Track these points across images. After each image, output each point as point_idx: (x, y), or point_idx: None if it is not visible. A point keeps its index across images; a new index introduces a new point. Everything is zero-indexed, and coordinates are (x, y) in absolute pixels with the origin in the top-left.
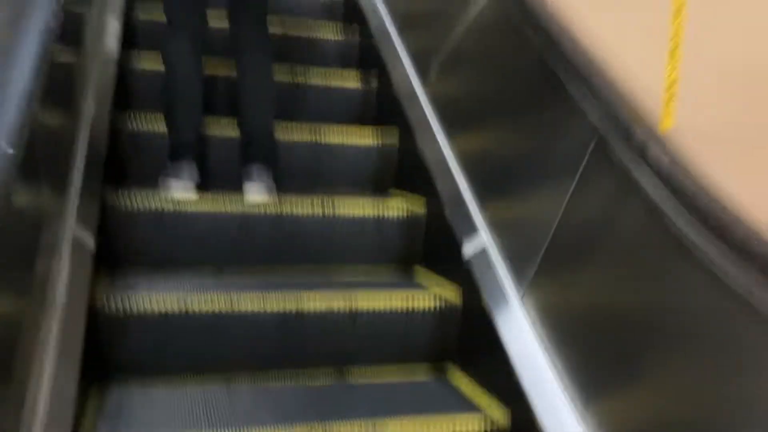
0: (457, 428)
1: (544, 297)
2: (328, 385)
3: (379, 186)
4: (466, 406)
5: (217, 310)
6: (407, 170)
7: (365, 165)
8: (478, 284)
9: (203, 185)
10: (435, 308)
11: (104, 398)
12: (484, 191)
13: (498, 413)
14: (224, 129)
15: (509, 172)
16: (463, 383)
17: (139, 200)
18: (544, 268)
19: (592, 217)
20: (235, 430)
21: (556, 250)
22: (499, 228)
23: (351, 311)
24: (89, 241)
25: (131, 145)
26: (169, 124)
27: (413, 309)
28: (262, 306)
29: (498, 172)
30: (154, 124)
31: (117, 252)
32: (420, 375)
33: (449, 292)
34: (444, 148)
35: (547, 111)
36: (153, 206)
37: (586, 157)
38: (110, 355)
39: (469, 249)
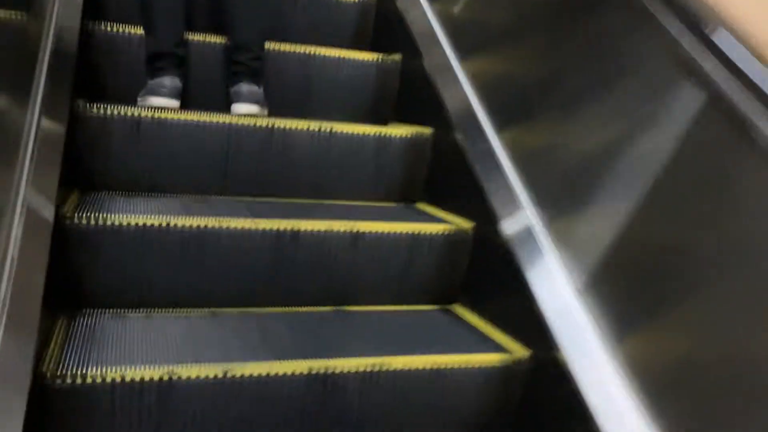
0: (473, 362)
1: (574, 227)
2: (326, 317)
3: (377, 115)
4: (480, 341)
5: (202, 225)
6: (410, 94)
7: (363, 85)
8: (496, 215)
9: (186, 106)
10: (444, 233)
11: (73, 328)
12: (502, 115)
13: (518, 349)
14: (209, 46)
15: (532, 95)
16: (474, 319)
17: (114, 109)
18: (574, 196)
19: (618, 144)
20: (223, 365)
21: (584, 179)
22: (523, 158)
23: (352, 233)
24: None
25: (104, 57)
26: (147, 33)
27: (419, 233)
28: (253, 224)
29: (519, 94)
30: (131, 30)
31: (89, 172)
32: (426, 309)
33: (460, 220)
34: (455, 67)
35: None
36: (129, 114)
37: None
38: (81, 279)
39: (485, 177)
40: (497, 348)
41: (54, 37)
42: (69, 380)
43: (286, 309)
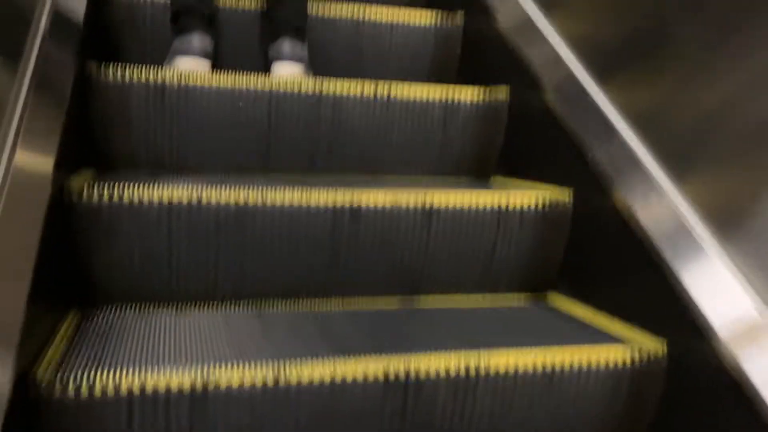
0: (598, 358)
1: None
2: (396, 310)
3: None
4: (596, 333)
5: (241, 202)
6: (477, 57)
7: (420, 53)
8: (608, 181)
9: (218, 67)
10: (536, 206)
11: (81, 327)
12: (608, 71)
13: (653, 343)
14: (246, 2)
15: (652, 41)
16: (578, 309)
17: (134, 72)
18: (708, 157)
19: None
20: (273, 369)
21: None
22: (646, 114)
23: (425, 208)
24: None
25: (126, 13)
26: None
27: (507, 206)
28: (304, 198)
29: (634, 43)
30: None
31: (104, 148)
32: (516, 298)
33: (552, 190)
34: (539, 22)
35: None
36: (152, 78)
37: None
38: (92, 268)
39: (590, 138)
40: (624, 341)
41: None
42: (71, 390)
43: (346, 300)
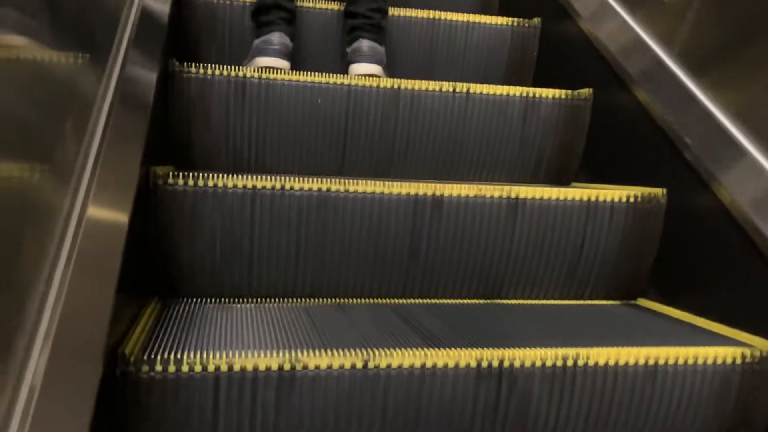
0: (705, 356)
1: None
2: (481, 306)
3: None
4: (699, 332)
5: (324, 188)
6: (557, 58)
7: (496, 55)
8: (710, 177)
9: (296, 68)
10: (629, 200)
11: (166, 313)
12: (708, 65)
13: (756, 340)
14: (323, 4)
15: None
16: (677, 313)
17: (215, 69)
18: None
19: None
20: (363, 353)
21: None
22: (744, 113)
23: (510, 200)
24: (145, 99)
25: (207, 18)
26: None
27: (596, 200)
28: (386, 188)
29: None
30: None
31: (183, 144)
32: (605, 303)
33: (642, 188)
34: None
35: None
36: (233, 74)
37: None
38: (175, 255)
39: (687, 132)
40: (732, 340)
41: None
42: (159, 367)
43: (426, 294)
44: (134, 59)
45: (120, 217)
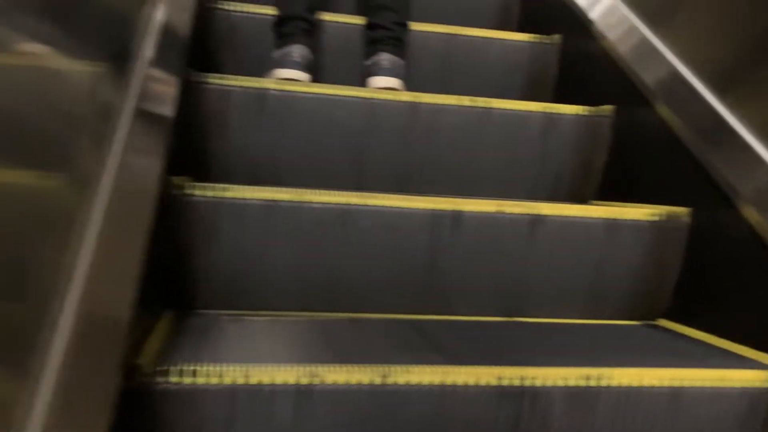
0: (732, 380)
1: None
2: (500, 325)
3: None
4: (725, 355)
5: (343, 202)
6: (577, 75)
7: (515, 71)
8: (737, 196)
9: (316, 81)
10: (652, 219)
11: (180, 325)
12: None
13: None
14: (343, 17)
15: None
16: (701, 335)
17: (235, 79)
18: None
19: None
20: (381, 368)
21: None
22: None
23: (531, 216)
24: (165, 110)
25: (225, 31)
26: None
27: (618, 218)
28: (405, 202)
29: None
30: (255, 7)
31: (201, 156)
32: (624, 324)
33: (669, 208)
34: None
35: None
36: (253, 85)
37: None
38: (187, 269)
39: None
40: (759, 365)
41: (163, 9)
42: (174, 378)
43: (443, 311)
44: (156, 69)
45: (139, 225)
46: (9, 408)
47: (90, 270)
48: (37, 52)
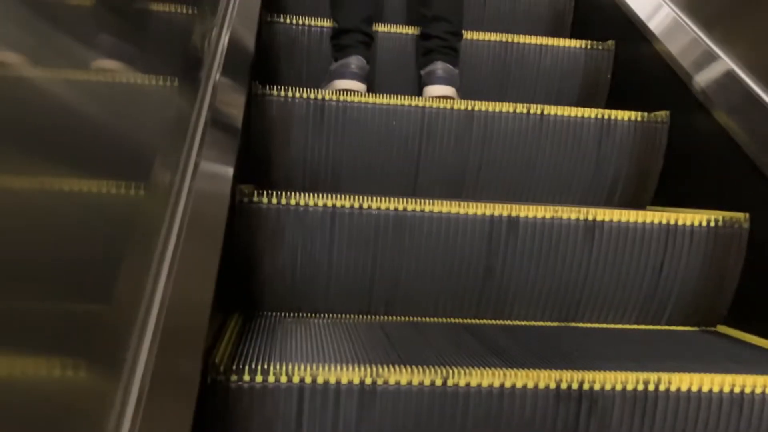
0: None
1: None
2: (556, 330)
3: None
4: None
5: (400, 208)
6: (632, 81)
7: (569, 77)
8: None
9: (371, 91)
10: (708, 226)
11: (248, 327)
12: None
13: None
14: (398, 28)
15: None
16: (759, 340)
17: (295, 91)
18: None
19: None
20: (441, 370)
21: None
22: None
23: (587, 221)
24: (234, 122)
25: (285, 44)
26: (333, 7)
27: (674, 226)
28: (462, 209)
29: None
30: (313, 20)
31: (263, 165)
32: (681, 330)
33: (728, 213)
34: (707, 42)
35: None
36: (312, 96)
37: None
38: (254, 272)
39: None
40: None
41: (230, 27)
42: (247, 377)
43: (501, 322)
44: (225, 82)
45: (216, 231)
46: (105, 401)
47: (173, 273)
48: (118, 69)
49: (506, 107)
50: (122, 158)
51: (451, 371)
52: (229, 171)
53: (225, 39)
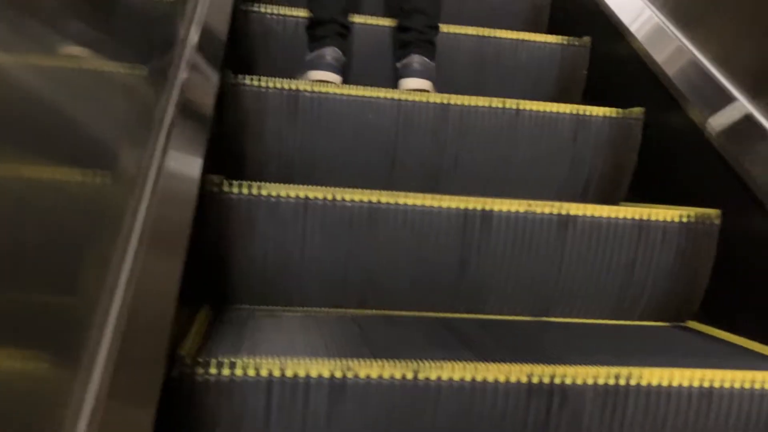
0: (764, 382)
1: None
2: (529, 324)
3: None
4: (759, 358)
5: (374, 200)
6: (606, 77)
7: (545, 73)
8: None
9: (347, 83)
10: (682, 221)
11: (217, 319)
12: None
13: None
14: (374, 19)
15: None
16: (734, 338)
17: (269, 81)
18: None
19: None
20: (413, 364)
21: None
22: None
23: (560, 216)
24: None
25: (260, 33)
26: (311, 2)
27: (649, 219)
28: (436, 201)
29: None
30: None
31: (236, 157)
32: (653, 325)
33: (699, 209)
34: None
35: None
36: (286, 87)
37: None
38: (224, 264)
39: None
40: None
41: (201, 14)
42: (214, 370)
43: (475, 316)
44: (196, 70)
45: (182, 222)
46: (63, 397)
47: (138, 263)
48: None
49: (482, 101)
50: (85, 146)
51: (421, 365)
52: (198, 160)
53: (195, 26)
